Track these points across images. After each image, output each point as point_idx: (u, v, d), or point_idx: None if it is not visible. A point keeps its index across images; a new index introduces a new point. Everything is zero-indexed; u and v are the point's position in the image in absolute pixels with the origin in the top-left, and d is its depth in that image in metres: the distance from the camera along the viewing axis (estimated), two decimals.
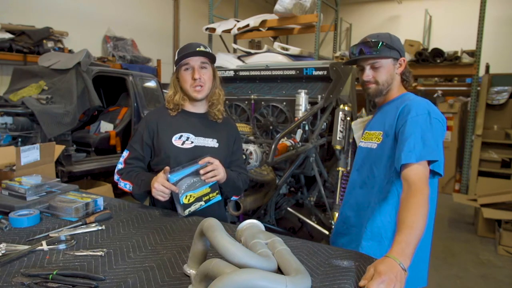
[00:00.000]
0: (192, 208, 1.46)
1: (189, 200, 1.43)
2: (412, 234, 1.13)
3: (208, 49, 1.61)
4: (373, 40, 1.48)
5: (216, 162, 1.51)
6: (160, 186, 1.41)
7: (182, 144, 1.61)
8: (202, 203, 1.48)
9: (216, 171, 1.49)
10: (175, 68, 1.66)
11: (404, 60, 1.53)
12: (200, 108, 1.69)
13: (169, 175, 1.41)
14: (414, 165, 1.27)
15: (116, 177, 1.64)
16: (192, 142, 1.62)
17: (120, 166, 1.65)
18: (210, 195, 1.50)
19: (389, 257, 1.03)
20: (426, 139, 1.30)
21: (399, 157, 1.30)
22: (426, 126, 1.33)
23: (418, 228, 1.14)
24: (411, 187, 1.24)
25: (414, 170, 1.27)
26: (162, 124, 1.64)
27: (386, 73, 1.49)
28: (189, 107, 1.68)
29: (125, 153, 1.66)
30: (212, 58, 1.63)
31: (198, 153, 1.60)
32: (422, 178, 1.26)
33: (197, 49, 1.57)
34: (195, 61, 1.59)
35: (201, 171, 1.46)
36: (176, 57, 1.62)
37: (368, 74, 1.50)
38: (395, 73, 1.51)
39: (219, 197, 1.54)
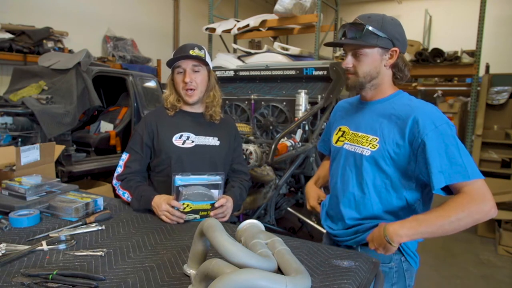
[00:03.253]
0: (185, 218, 1.42)
1: (184, 208, 1.39)
2: (431, 223, 1.13)
3: (203, 50, 1.59)
4: (359, 22, 1.24)
5: (229, 204, 1.49)
6: (165, 212, 1.40)
7: (183, 143, 1.60)
8: (198, 216, 1.44)
9: (226, 211, 1.48)
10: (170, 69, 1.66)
11: (396, 52, 1.26)
12: (197, 108, 1.69)
13: (176, 177, 1.39)
14: (463, 183, 1.16)
15: (114, 182, 1.61)
16: (192, 142, 1.62)
17: (119, 169, 1.62)
18: (209, 212, 1.45)
19: (383, 229, 1.14)
20: (453, 158, 1.15)
21: (432, 184, 1.18)
22: (449, 140, 1.17)
23: (441, 224, 1.11)
24: (467, 196, 1.15)
25: (469, 186, 1.16)
26: (162, 124, 1.63)
27: (369, 64, 1.26)
28: (187, 107, 1.68)
29: (125, 156, 1.64)
30: (205, 61, 1.61)
31: (199, 152, 1.60)
32: (479, 190, 1.14)
33: (190, 51, 1.56)
34: (187, 64, 1.58)
35: (211, 213, 1.43)
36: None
37: (348, 61, 1.28)
38: (382, 65, 1.27)
39: None
